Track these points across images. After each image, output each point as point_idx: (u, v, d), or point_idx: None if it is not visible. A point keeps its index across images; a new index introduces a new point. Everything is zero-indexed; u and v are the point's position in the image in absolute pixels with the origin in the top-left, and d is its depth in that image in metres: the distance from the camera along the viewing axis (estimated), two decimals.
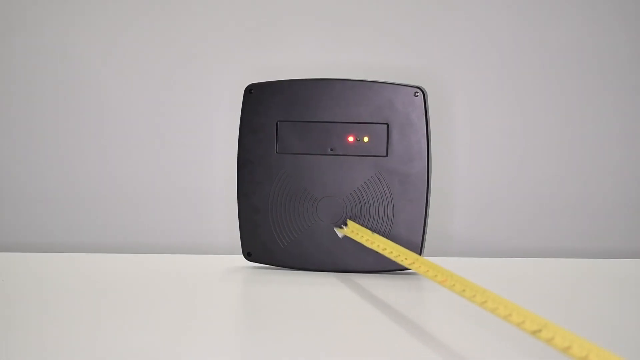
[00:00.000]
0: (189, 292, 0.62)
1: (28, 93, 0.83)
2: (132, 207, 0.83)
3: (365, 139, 0.66)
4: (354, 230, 0.64)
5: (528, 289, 0.64)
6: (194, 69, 0.83)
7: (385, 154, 0.66)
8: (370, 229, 0.65)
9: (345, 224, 0.66)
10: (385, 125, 0.66)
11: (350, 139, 0.66)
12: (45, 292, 0.61)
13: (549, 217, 0.84)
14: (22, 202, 0.83)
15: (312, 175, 0.66)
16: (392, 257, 0.57)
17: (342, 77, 0.66)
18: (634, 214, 0.84)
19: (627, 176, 0.84)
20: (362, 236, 0.62)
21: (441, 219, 0.82)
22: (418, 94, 0.65)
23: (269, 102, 0.66)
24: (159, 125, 0.83)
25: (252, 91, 0.67)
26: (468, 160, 0.83)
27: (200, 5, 0.83)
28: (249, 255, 0.68)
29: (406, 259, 0.54)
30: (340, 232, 0.66)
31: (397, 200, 0.66)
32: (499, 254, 0.83)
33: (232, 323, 0.54)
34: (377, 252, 0.64)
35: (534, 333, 0.38)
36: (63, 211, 0.83)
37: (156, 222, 0.83)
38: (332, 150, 0.66)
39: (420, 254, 0.65)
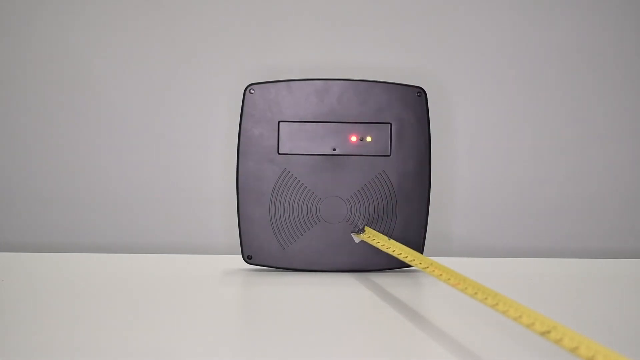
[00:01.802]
0: (188, 293, 0.61)
1: (27, 93, 0.83)
2: (131, 207, 0.83)
3: (369, 139, 0.66)
4: (370, 236, 0.64)
5: (528, 289, 0.64)
6: (193, 68, 0.83)
7: (388, 154, 0.66)
8: (380, 232, 0.65)
9: (363, 230, 0.66)
10: (389, 125, 0.66)
11: (353, 138, 0.66)
12: (45, 292, 0.61)
13: (549, 217, 0.84)
14: (22, 202, 0.83)
15: (314, 176, 0.66)
16: (407, 261, 0.58)
17: (344, 77, 0.66)
18: (634, 214, 0.84)
19: (627, 176, 0.84)
20: (379, 242, 0.63)
21: (441, 219, 0.82)
22: (420, 94, 0.66)
23: (271, 102, 0.66)
24: (159, 125, 0.83)
25: (253, 91, 0.66)
26: (468, 160, 0.83)
27: (200, 5, 0.83)
28: (249, 258, 0.67)
29: (421, 263, 0.55)
30: (357, 238, 0.65)
31: (400, 199, 0.66)
32: (499, 253, 0.83)
33: (232, 323, 0.54)
34: (378, 252, 0.65)
35: (544, 334, 0.39)
36: (63, 211, 0.83)
37: (156, 222, 0.83)
38: (335, 150, 0.66)
39: (422, 252, 0.66)
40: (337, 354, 0.46)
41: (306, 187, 0.66)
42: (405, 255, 0.59)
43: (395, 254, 0.60)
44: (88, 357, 0.44)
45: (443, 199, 0.82)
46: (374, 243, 0.63)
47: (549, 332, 0.39)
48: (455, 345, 0.47)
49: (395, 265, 0.67)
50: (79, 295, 0.60)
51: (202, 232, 0.83)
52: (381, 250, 0.66)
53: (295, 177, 0.66)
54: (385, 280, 0.64)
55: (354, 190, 0.66)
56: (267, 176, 0.66)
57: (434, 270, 0.53)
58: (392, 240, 0.63)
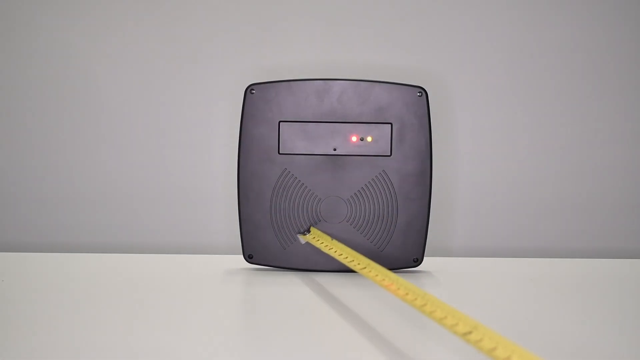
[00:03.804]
0: (189, 292, 0.61)
1: (28, 94, 0.83)
2: (132, 207, 0.83)
3: (369, 139, 0.66)
4: (315, 237, 0.65)
5: (528, 289, 0.64)
6: (193, 68, 0.83)
7: (389, 154, 0.66)
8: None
9: (309, 231, 0.66)
10: (389, 125, 0.66)
11: (354, 138, 0.66)
12: (45, 292, 0.61)
13: (549, 217, 0.84)
14: (22, 202, 0.83)
15: (315, 176, 0.66)
16: (346, 262, 0.58)
17: (345, 77, 0.66)
18: (634, 214, 0.84)
19: (627, 176, 0.84)
20: (322, 242, 0.63)
21: (442, 219, 0.82)
22: (421, 94, 0.66)
23: (271, 102, 0.66)
24: (159, 125, 0.83)
25: (254, 91, 0.66)
26: (468, 160, 0.83)
27: (200, 5, 0.83)
28: (250, 257, 0.67)
29: (359, 264, 0.56)
30: (302, 239, 0.66)
31: (400, 199, 0.66)
32: (499, 253, 0.83)
33: (233, 323, 0.54)
34: (378, 253, 0.66)
35: (464, 335, 0.39)
36: (63, 211, 0.83)
37: (156, 222, 0.83)
38: (335, 150, 0.66)
39: (423, 253, 0.67)
40: (337, 353, 0.46)
41: (307, 187, 0.66)
42: (346, 256, 0.59)
43: (336, 255, 0.60)
44: (88, 357, 0.44)
45: (444, 199, 0.82)
46: (317, 244, 0.63)
47: (470, 332, 0.39)
48: (455, 346, 0.47)
49: (396, 265, 0.67)
50: (79, 295, 0.60)
51: (203, 232, 0.83)
52: (381, 251, 0.66)
53: (296, 177, 0.66)
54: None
55: (355, 190, 0.66)
56: (268, 176, 0.66)
57: (370, 271, 0.54)
58: (334, 240, 0.64)
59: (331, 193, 0.66)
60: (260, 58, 0.82)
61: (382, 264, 0.66)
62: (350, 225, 0.66)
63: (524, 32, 0.83)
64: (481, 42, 0.83)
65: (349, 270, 0.67)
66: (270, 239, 0.67)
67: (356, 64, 0.82)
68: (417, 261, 0.67)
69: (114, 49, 0.83)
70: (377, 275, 0.53)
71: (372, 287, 0.62)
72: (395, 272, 0.67)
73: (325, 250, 0.62)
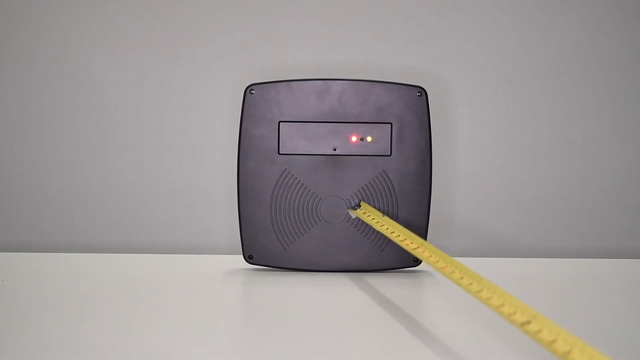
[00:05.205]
0: (189, 293, 0.61)
1: (27, 93, 0.83)
2: (132, 207, 0.83)
3: (369, 139, 0.66)
4: (365, 212, 0.64)
5: (528, 289, 0.64)
6: (194, 68, 0.83)
7: (389, 153, 0.66)
8: (381, 211, 0.65)
9: (359, 206, 0.66)
10: (389, 125, 0.66)
11: (354, 138, 0.66)
12: (45, 292, 0.61)
13: (549, 217, 0.84)
14: (22, 202, 0.83)
15: (315, 176, 0.66)
16: (398, 240, 0.58)
17: (345, 77, 0.66)
18: (634, 214, 0.84)
19: (627, 176, 0.84)
20: (373, 218, 0.63)
21: (441, 219, 0.82)
22: (421, 94, 0.66)
23: (271, 102, 0.66)
24: (160, 125, 0.83)
25: (253, 91, 0.66)
26: (468, 160, 0.83)
27: (200, 4, 0.83)
28: (250, 258, 0.67)
29: (411, 242, 0.55)
30: (353, 214, 0.66)
31: (400, 199, 0.66)
32: (499, 253, 0.83)
33: (233, 323, 0.54)
34: (378, 252, 0.66)
35: (523, 325, 0.38)
36: (63, 211, 0.83)
37: (156, 222, 0.83)
38: (335, 150, 0.66)
39: None
40: (337, 353, 0.46)
41: (306, 187, 0.66)
42: (397, 234, 0.58)
43: (387, 233, 0.60)
44: (88, 357, 0.44)
45: (444, 199, 0.82)
46: (368, 220, 0.63)
47: (529, 322, 0.38)
48: (455, 347, 0.47)
49: (396, 265, 0.67)
50: (79, 295, 0.60)
51: (203, 232, 0.83)
52: (381, 251, 0.66)
53: (296, 178, 0.66)
54: (386, 280, 0.64)
55: (355, 190, 0.66)
56: (268, 176, 0.66)
57: (423, 252, 0.52)
58: (385, 217, 0.63)
59: (331, 193, 0.66)
60: (260, 58, 0.82)
61: (383, 264, 0.67)
62: (351, 225, 0.66)
63: (524, 31, 0.83)
64: (481, 42, 0.83)
65: (349, 270, 0.67)
66: (271, 239, 0.67)
67: (356, 64, 0.82)
68: (417, 261, 0.67)
69: (114, 48, 0.83)
70: (430, 256, 0.50)
71: (372, 286, 0.62)
72: (394, 272, 0.67)
73: (377, 227, 0.61)
